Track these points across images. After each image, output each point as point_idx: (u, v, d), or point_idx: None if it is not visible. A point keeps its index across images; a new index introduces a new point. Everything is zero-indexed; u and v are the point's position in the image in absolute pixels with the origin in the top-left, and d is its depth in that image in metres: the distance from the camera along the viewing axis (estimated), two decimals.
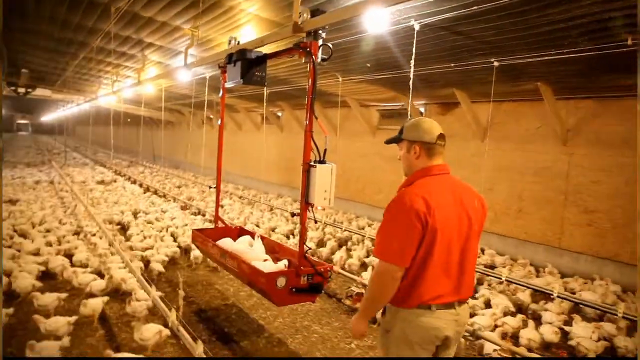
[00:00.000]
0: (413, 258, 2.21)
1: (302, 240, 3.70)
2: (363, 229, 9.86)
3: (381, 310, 2.48)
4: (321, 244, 8.74)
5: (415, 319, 2.26)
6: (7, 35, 9.38)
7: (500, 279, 6.55)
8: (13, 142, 41.93)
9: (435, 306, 2.26)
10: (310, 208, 3.58)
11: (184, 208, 11.80)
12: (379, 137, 11.79)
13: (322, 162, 3.52)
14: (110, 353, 3.75)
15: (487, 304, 5.87)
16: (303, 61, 3.82)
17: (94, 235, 7.79)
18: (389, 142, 2.65)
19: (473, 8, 4.82)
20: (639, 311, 4.74)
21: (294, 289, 3.61)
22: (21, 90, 16.35)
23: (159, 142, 25.21)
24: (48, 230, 7.93)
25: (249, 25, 6.90)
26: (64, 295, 5.09)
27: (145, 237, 7.81)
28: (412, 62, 5.27)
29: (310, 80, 3.57)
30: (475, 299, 5.94)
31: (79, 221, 9.03)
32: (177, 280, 5.22)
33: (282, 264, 4.23)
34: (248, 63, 4.16)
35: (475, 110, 9.10)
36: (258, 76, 4.23)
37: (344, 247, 8.17)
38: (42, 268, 5.98)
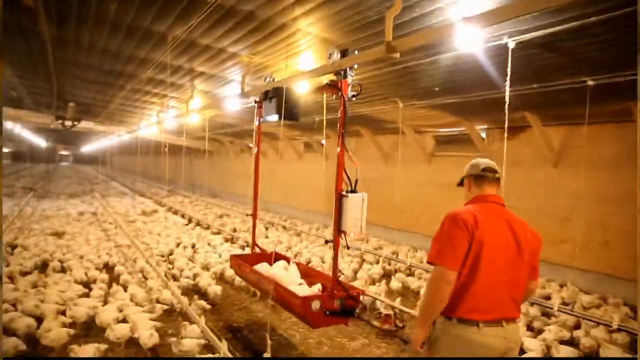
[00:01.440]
0: (462, 265, 2.36)
1: (335, 265, 3.90)
2: (422, 262, 9.12)
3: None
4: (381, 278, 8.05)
5: (464, 334, 2.35)
6: (58, 69, 9.33)
7: (610, 326, 5.68)
8: (56, 172, 43.16)
9: (483, 323, 2.35)
10: (343, 235, 3.76)
11: (229, 240, 11.34)
12: (435, 164, 11.12)
13: (353, 191, 3.72)
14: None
15: None
16: (334, 98, 4.06)
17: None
18: (460, 184, 2.95)
19: (578, 21, 4.24)
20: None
21: (327, 312, 3.75)
22: (68, 123, 16.52)
23: (197, 171, 25.23)
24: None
25: (308, 51, 6.50)
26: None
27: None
28: (508, 82, 4.66)
29: (340, 115, 3.87)
30: None
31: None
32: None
33: (316, 288, 4.36)
34: (283, 100, 4.46)
35: (548, 134, 8.36)
36: (292, 112, 4.54)
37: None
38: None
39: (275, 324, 6.13)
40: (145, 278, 7.07)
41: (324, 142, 15.28)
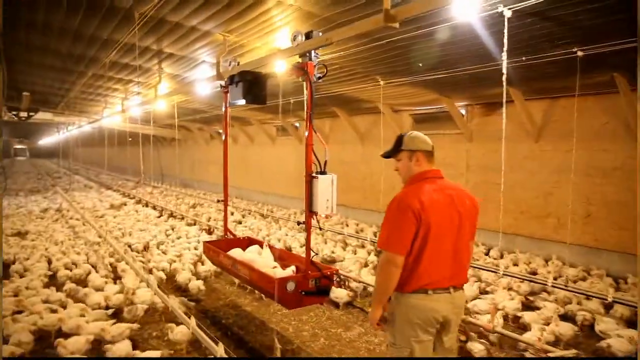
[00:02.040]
0: (410, 249, 2.52)
1: (308, 246, 3.95)
2: None
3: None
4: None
5: (415, 302, 2.56)
6: (8, 54, 8.55)
7: (605, 300, 5.67)
8: (12, 167, 40.98)
9: (432, 290, 2.56)
10: (314, 216, 3.79)
11: (206, 230, 10.91)
12: None
13: (323, 173, 3.75)
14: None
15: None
16: (300, 80, 4.03)
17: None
18: (387, 155, 2.94)
19: None
20: None
21: (303, 292, 3.80)
22: (23, 114, 15.45)
23: (165, 160, 24.38)
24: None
25: (286, 27, 6.10)
26: None
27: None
28: (505, 54, 4.43)
29: (307, 97, 3.89)
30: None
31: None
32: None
33: (290, 270, 4.35)
34: (249, 83, 4.47)
35: (530, 109, 8.28)
36: (259, 95, 4.54)
37: None
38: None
39: (265, 318, 5.85)
40: (118, 277, 6.58)
41: (297, 124, 14.91)
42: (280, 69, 5.14)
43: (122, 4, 5.40)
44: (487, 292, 6.46)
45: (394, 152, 2.87)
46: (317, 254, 4.76)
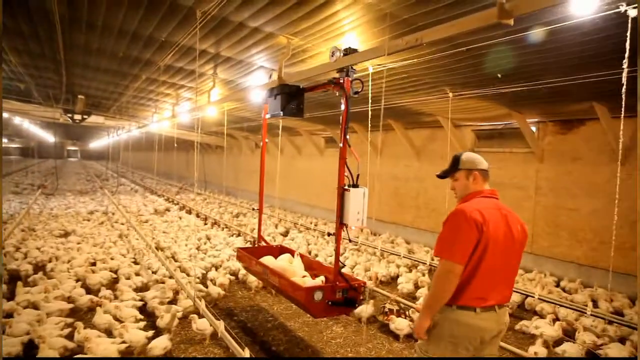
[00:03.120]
0: (469, 260, 2.53)
1: (337, 257, 4.00)
2: None
3: None
4: None
5: (462, 319, 2.56)
6: (68, 57, 8.51)
7: None
8: (64, 168, 42.58)
9: (480, 309, 2.56)
10: (344, 228, 3.84)
11: (252, 243, 10.49)
12: None
13: (355, 186, 3.81)
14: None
15: None
16: (337, 94, 4.07)
17: None
18: (444, 175, 2.99)
19: None
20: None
21: (330, 303, 3.85)
22: (77, 117, 15.75)
23: (209, 167, 24.44)
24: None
25: (350, 33, 5.62)
26: None
27: None
28: (626, 61, 3.74)
29: (343, 112, 3.93)
30: None
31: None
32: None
33: (319, 280, 4.41)
34: (288, 96, 4.56)
35: (615, 128, 7.41)
36: (296, 108, 4.61)
37: None
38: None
39: (318, 346, 5.29)
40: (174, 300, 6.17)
41: (347, 136, 14.39)
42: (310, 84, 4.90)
43: (185, 1, 5.06)
44: (568, 335, 5.65)
45: (451, 171, 2.93)
46: (345, 265, 4.60)
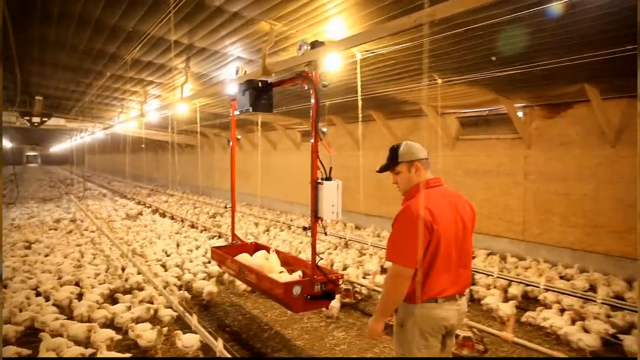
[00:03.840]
0: (421, 260, 2.50)
1: (314, 251, 3.92)
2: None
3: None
4: None
5: (426, 312, 2.57)
6: (21, 52, 7.74)
7: None
8: (24, 174, 40.54)
9: (442, 299, 2.58)
10: (319, 222, 3.81)
11: None
12: (460, 149, 9.98)
13: (328, 179, 3.74)
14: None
15: None
16: (305, 88, 4.00)
17: None
18: (383, 170, 2.90)
19: None
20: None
21: (309, 297, 3.83)
22: (35, 120, 14.74)
23: (180, 167, 23.58)
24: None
25: (336, 17, 5.21)
26: None
27: None
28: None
29: (313, 105, 3.85)
30: None
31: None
32: None
33: (297, 275, 4.44)
34: (256, 91, 4.51)
35: (607, 109, 7.27)
36: (265, 103, 4.60)
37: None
38: None
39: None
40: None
41: (325, 129, 14.00)
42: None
43: None
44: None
45: (391, 165, 2.82)
46: (322, 259, 4.68)
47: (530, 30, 4.94)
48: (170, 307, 5.60)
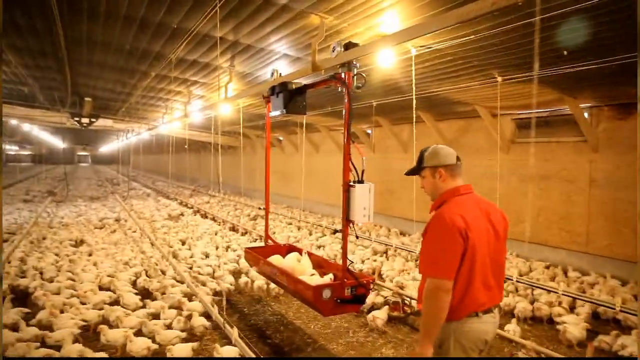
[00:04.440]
0: (458, 272, 2.34)
1: (345, 254, 3.90)
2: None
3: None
4: None
5: (468, 327, 2.41)
6: (70, 54, 7.80)
7: None
8: (75, 173, 42.33)
9: (482, 312, 2.43)
10: (351, 225, 3.78)
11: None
12: (515, 153, 9.32)
13: (360, 182, 3.71)
14: None
15: None
16: (339, 90, 3.94)
17: None
18: (409, 173, 2.80)
19: None
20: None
21: (338, 300, 3.78)
22: (84, 120, 15.11)
23: (222, 168, 23.75)
24: None
25: (391, 10, 4.81)
26: None
27: None
28: None
29: (345, 108, 3.80)
30: None
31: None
32: None
33: (328, 278, 4.38)
34: (290, 94, 4.51)
35: None
36: (299, 106, 4.59)
37: None
38: None
39: None
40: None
41: (370, 131, 13.59)
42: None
43: None
44: None
45: (417, 169, 2.73)
46: (352, 262, 4.50)
47: (603, 20, 4.39)
48: (204, 316, 5.36)
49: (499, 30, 4.81)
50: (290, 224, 13.20)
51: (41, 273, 7.04)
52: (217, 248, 9.55)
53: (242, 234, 11.64)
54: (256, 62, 7.28)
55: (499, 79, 6.48)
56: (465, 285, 2.38)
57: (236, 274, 7.71)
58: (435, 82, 7.30)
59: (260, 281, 6.78)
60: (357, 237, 4.76)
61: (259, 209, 14.28)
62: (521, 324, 5.65)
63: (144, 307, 5.78)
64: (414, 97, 5.62)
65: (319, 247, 9.49)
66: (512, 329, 5.24)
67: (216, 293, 6.55)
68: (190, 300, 5.97)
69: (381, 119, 11.57)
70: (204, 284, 6.80)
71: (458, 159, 2.65)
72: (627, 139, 7.49)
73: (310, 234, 11.41)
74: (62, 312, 5.37)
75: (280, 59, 6.95)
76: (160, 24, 5.76)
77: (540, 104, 8.10)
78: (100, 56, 7.96)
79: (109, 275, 7.03)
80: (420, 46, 5.49)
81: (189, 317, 5.25)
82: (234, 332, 4.59)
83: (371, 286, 4.03)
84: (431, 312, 2.37)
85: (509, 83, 6.75)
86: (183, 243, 10.12)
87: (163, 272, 7.44)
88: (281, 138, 18.58)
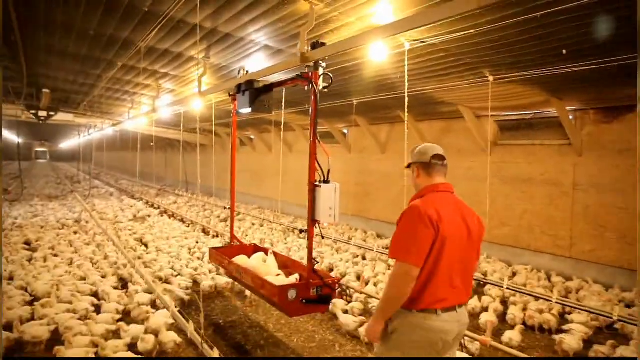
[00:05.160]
0: (426, 261, 2.37)
1: (310, 255, 3.89)
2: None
3: None
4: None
5: (423, 322, 2.40)
6: (26, 38, 7.05)
7: None
8: (32, 170, 40.19)
9: (441, 310, 2.41)
10: (317, 225, 3.77)
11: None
12: (498, 155, 9.16)
13: (326, 182, 3.73)
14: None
15: None
16: (305, 89, 3.98)
17: None
18: (407, 166, 2.86)
19: None
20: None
21: (304, 301, 3.77)
22: (42, 114, 14.09)
23: (189, 167, 22.92)
24: None
25: None
26: None
27: None
28: None
29: (312, 107, 3.85)
30: None
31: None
32: None
33: (294, 278, 4.40)
34: (256, 92, 4.58)
35: None
36: (265, 104, 4.64)
37: None
38: None
39: None
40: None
41: (346, 130, 13.24)
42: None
43: None
44: None
45: (409, 166, 2.83)
46: (318, 262, 4.48)
47: (613, 17, 4.17)
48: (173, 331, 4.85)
49: (498, 26, 4.52)
50: (262, 225, 12.69)
51: None
52: (190, 250, 8.99)
53: (213, 237, 11.05)
54: (233, 54, 6.78)
55: (491, 78, 6.23)
56: (427, 276, 2.39)
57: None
58: (422, 80, 7.00)
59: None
60: (322, 237, 4.76)
61: (224, 208, 13.77)
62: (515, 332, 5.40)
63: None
64: (406, 94, 5.28)
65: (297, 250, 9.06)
66: (512, 337, 5.03)
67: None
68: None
69: (359, 119, 11.23)
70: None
71: (437, 157, 2.66)
72: (611, 143, 7.42)
73: (286, 238, 10.93)
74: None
75: (259, 51, 6.49)
76: (130, 5, 5.17)
77: (526, 106, 7.95)
78: (61, 42, 7.23)
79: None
80: (414, 40, 5.15)
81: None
82: (214, 353, 4.10)
83: (336, 286, 4.00)
84: (392, 295, 2.41)
85: (498, 83, 6.52)
86: (146, 246, 9.49)
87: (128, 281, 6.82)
88: (253, 137, 18.01)
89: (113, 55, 7.65)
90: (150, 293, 6.13)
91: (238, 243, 5.75)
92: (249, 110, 4.61)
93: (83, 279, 6.80)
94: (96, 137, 26.14)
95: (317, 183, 3.74)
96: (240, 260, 4.90)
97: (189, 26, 5.54)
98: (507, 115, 8.83)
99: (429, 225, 2.36)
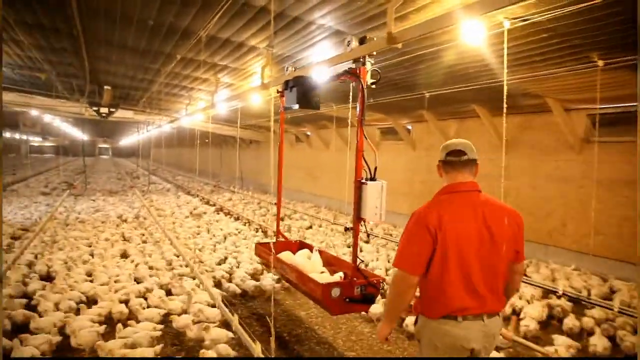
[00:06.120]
0: (427, 269, 2.32)
1: (355, 253, 3.89)
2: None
3: (414, 321, 2.57)
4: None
5: (442, 328, 2.33)
6: (85, 32, 6.87)
7: None
8: (96, 166, 42.12)
9: (462, 317, 2.31)
10: (363, 223, 3.72)
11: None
12: (588, 154, 8.08)
13: (373, 179, 3.66)
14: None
15: None
16: (353, 85, 3.99)
17: None
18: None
19: None
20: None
21: (347, 299, 3.75)
22: (104, 111, 14.31)
23: (244, 163, 22.87)
24: None
25: None
26: None
27: None
28: None
29: (359, 103, 3.77)
30: None
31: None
32: None
33: (338, 276, 4.39)
34: (303, 89, 4.50)
35: None
36: (313, 101, 4.58)
37: None
38: None
39: None
40: None
41: (410, 127, 12.44)
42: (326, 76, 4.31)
43: None
44: None
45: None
46: (363, 261, 4.64)
47: None
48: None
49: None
50: (321, 226, 12.14)
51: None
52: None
53: (269, 237, 10.65)
54: (299, 42, 6.23)
55: (600, 62, 5.29)
56: (437, 285, 2.32)
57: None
58: (511, 68, 6.15)
59: None
60: (368, 234, 4.91)
61: (273, 204, 13.48)
62: None
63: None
64: (504, 82, 4.52)
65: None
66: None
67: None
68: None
69: (427, 113, 10.41)
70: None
71: (454, 153, 2.44)
72: None
73: (347, 239, 10.33)
74: None
75: (329, 37, 5.89)
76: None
77: (622, 98, 6.88)
78: (121, 35, 6.99)
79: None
80: (515, 18, 4.36)
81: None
82: None
83: (381, 285, 3.93)
84: (392, 300, 2.47)
85: (606, 69, 5.56)
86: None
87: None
88: (309, 133, 17.54)
89: (172, 47, 7.34)
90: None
91: (283, 239, 5.81)
92: (296, 106, 4.55)
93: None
94: (154, 134, 26.79)
95: (363, 180, 3.67)
96: (285, 256, 4.95)
97: (254, 10, 5.04)
98: (603, 107, 7.73)
99: (425, 232, 2.28)
